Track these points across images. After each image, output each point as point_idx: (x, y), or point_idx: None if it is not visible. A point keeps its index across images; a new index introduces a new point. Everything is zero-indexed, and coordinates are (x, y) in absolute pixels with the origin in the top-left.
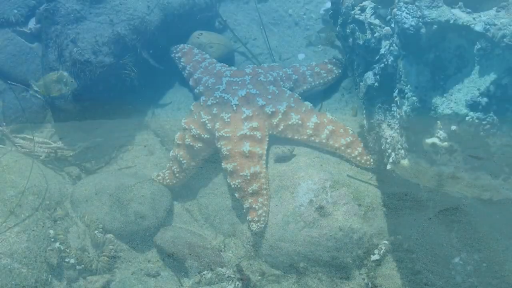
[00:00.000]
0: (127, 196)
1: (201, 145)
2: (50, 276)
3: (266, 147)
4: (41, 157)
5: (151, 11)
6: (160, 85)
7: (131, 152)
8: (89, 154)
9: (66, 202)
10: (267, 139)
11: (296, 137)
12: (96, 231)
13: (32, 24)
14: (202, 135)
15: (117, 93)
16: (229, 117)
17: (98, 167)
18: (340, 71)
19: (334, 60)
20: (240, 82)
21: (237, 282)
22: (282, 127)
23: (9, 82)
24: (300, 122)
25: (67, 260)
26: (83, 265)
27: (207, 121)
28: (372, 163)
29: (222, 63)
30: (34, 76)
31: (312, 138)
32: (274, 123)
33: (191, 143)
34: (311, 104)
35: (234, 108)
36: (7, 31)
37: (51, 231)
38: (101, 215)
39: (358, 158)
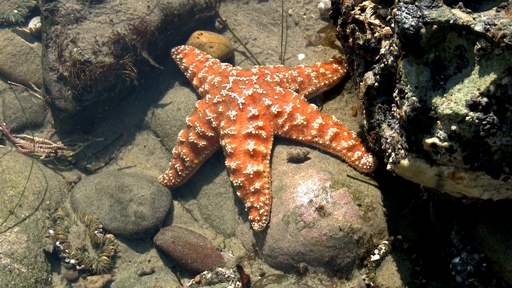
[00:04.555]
0: (127, 196)
1: (205, 143)
2: (50, 276)
3: (270, 146)
4: (41, 157)
5: (151, 11)
6: (160, 85)
7: (131, 152)
8: (89, 154)
9: (66, 202)
10: (272, 139)
11: (300, 138)
12: (96, 231)
13: (32, 24)
14: (207, 133)
15: (117, 93)
16: (235, 115)
17: (98, 167)
18: (345, 70)
19: (339, 58)
20: (247, 82)
21: (237, 282)
22: (287, 127)
23: (9, 82)
24: (305, 122)
25: (67, 260)
26: (83, 265)
27: (212, 119)
28: (371, 167)
29: (226, 63)
30: (34, 76)
31: (316, 139)
32: (280, 123)
33: (194, 141)
34: (317, 106)
35: (241, 107)
36: (7, 31)
37: (51, 231)
38: (101, 215)
39: (357, 162)
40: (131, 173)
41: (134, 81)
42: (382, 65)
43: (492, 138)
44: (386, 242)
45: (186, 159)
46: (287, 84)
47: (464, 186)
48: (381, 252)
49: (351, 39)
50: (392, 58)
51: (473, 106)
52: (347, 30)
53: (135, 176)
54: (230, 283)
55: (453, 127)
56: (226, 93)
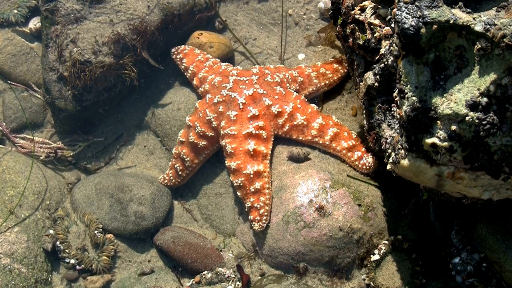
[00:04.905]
0: (127, 196)
1: (205, 143)
2: (50, 276)
3: (271, 146)
4: (41, 157)
5: (151, 11)
6: (160, 85)
7: (131, 152)
8: (89, 154)
9: (66, 202)
10: (272, 139)
11: (300, 138)
12: (96, 231)
13: (32, 24)
14: (207, 133)
15: (117, 93)
16: (235, 115)
17: (98, 167)
18: (346, 70)
19: (340, 58)
20: (247, 82)
21: (237, 282)
22: (287, 127)
23: (9, 82)
24: (305, 122)
25: (67, 260)
26: (83, 265)
27: (212, 119)
28: (371, 168)
29: (226, 63)
30: (34, 76)
31: (316, 139)
32: (280, 123)
33: (195, 141)
34: (317, 107)
35: (241, 107)
36: (7, 31)
37: (51, 231)
38: (101, 215)
39: (356, 163)
40: (131, 173)
41: (134, 81)
42: (382, 65)
43: (492, 138)
44: (386, 242)
45: (186, 159)
46: (288, 84)
47: (464, 186)
48: (381, 252)
49: (351, 39)
50: (392, 58)
51: (473, 106)
52: (347, 30)
53: (135, 176)
54: (230, 283)
55: (453, 127)
56: (226, 93)
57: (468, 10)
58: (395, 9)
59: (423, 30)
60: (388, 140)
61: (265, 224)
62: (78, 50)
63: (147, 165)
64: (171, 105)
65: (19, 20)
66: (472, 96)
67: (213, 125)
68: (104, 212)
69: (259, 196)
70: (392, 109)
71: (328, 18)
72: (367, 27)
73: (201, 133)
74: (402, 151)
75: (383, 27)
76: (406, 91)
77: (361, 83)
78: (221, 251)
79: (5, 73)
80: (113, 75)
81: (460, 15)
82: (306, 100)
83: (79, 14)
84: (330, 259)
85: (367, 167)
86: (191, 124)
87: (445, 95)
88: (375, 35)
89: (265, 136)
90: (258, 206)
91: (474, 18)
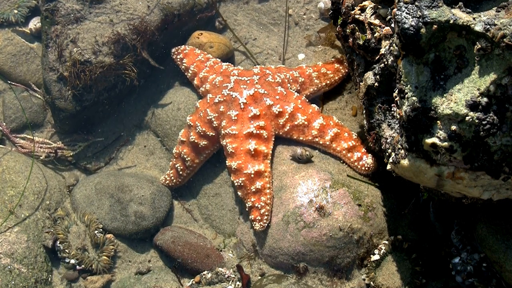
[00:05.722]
0: (127, 196)
1: (205, 142)
2: (50, 276)
3: (271, 146)
4: (41, 157)
5: (151, 11)
6: (160, 85)
7: (131, 152)
8: (89, 154)
9: (66, 202)
10: (273, 139)
11: (301, 138)
12: (96, 231)
13: (32, 24)
14: (207, 133)
15: (117, 93)
16: (236, 115)
17: (98, 167)
18: (347, 70)
19: (341, 58)
20: (248, 81)
21: (237, 282)
22: (288, 127)
23: (9, 82)
24: (306, 122)
25: (67, 260)
26: (83, 265)
27: (213, 119)
28: (370, 169)
29: (227, 63)
30: (34, 76)
31: (316, 140)
32: (281, 123)
33: (195, 140)
34: (318, 107)
35: (242, 106)
36: (7, 31)
37: (51, 231)
38: (101, 215)
39: (356, 163)
40: (131, 173)
41: (134, 81)
42: (382, 65)
43: (492, 138)
44: (386, 242)
45: (187, 159)
46: (289, 85)
47: (464, 186)
48: (381, 252)
49: (351, 39)
50: (392, 58)
51: (473, 106)
52: (347, 30)
53: (135, 176)
54: (230, 283)
55: (453, 127)
56: (227, 93)
57: (468, 10)
58: (395, 9)
59: (423, 30)
60: (388, 140)
61: (266, 224)
62: (78, 50)
63: (147, 165)
64: (171, 105)
65: (19, 20)
66: (472, 96)
67: (214, 125)
68: (104, 212)
69: (260, 196)
70: (392, 109)
71: (328, 18)
72: (367, 27)
73: (201, 133)
74: (402, 151)
75: (383, 27)
76: (406, 91)
77: (361, 83)
78: (221, 251)
79: (5, 73)
80: (113, 75)
81: (460, 15)
82: (307, 100)
83: (79, 14)
84: (330, 259)
85: (366, 168)
86: (191, 124)
87: (445, 95)
88: (375, 35)
89: (266, 136)
90: (259, 206)
91: (474, 18)
